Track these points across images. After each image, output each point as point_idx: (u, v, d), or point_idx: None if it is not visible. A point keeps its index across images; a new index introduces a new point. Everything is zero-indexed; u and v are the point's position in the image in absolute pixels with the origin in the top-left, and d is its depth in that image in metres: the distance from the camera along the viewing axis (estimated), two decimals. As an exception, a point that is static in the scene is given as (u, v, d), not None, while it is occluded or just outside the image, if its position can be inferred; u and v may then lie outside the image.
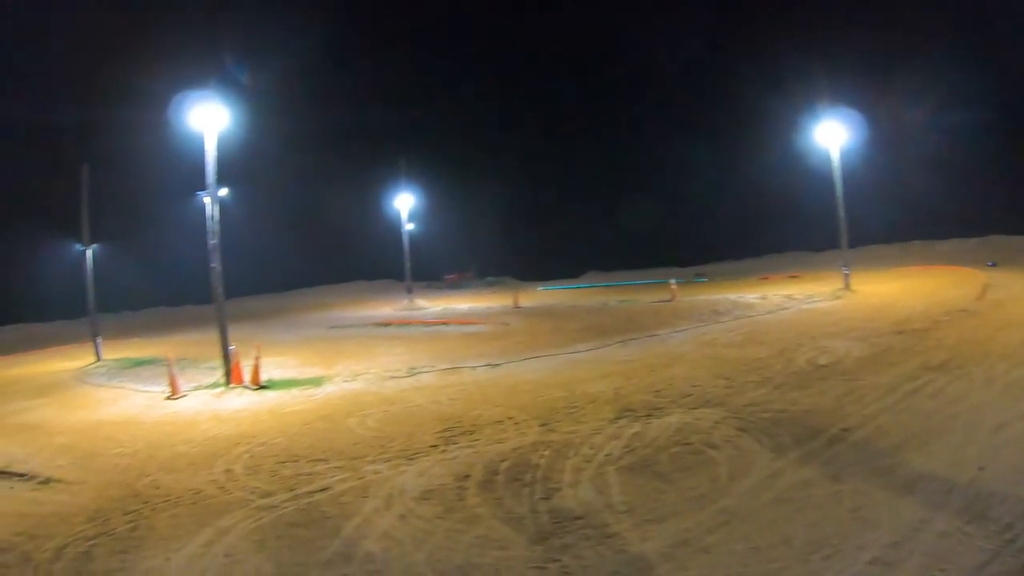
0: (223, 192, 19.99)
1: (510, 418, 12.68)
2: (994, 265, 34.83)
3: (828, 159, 32.84)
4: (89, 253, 29.49)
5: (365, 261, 63.71)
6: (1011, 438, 9.51)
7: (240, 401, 16.90)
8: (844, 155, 32.81)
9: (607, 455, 10.00)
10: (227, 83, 19.62)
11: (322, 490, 9.83)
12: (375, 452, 11.40)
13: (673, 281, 35.77)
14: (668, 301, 31.84)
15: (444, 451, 11.08)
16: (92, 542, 9.09)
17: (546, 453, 10.33)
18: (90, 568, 8.32)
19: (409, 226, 49.09)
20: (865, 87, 41.48)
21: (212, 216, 19.39)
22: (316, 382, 18.19)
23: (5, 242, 44.18)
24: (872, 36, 46.80)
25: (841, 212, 32.84)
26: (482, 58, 72.26)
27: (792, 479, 8.66)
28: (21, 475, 12.49)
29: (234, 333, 19.82)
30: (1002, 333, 16.68)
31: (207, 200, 19.48)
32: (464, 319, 32.69)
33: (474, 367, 18.27)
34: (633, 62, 64.14)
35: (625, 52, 65.92)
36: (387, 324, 33.81)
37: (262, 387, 17.94)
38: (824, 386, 13.15)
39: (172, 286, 52.55)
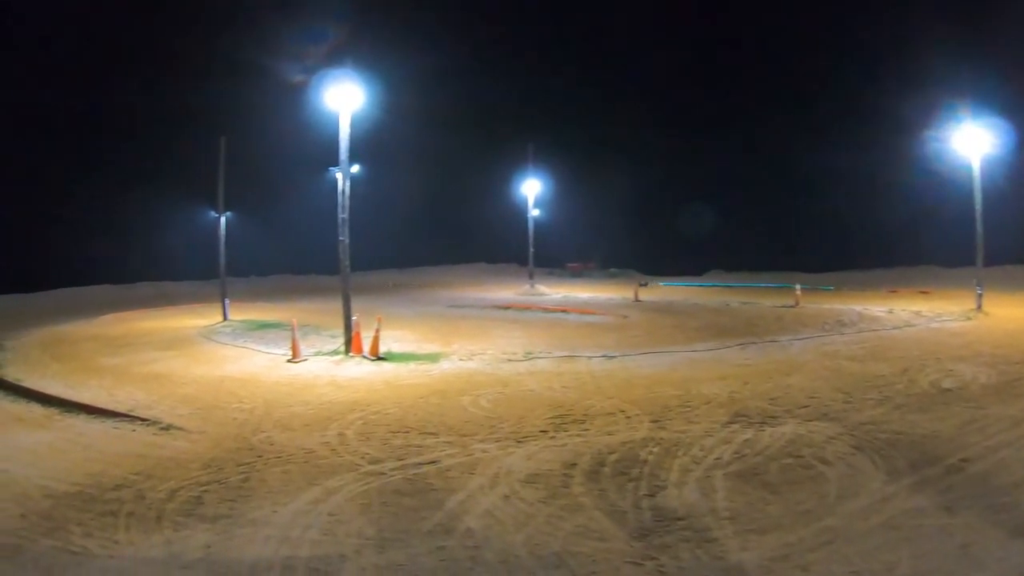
0: (354, 169, 20.55)
1: (622, 411, 12.66)
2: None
3: (968, 169, 31.01)
4: (223, 220, 30.85)
5: (488, 244, 64.40)
6: None
7: (358, 370, 17.38)
8: (986, 165, 30.86)
9: (716, 459, 9.89)
10: (363, 63, 20.01)
11: (430, 463, 10.06)
12: (485, 431, 11.58)
13: (798, 287, 34.79)
14: (791, 307, 31.02)
15: (553, 437, 11.16)
16: (204, 488, 9.60)
17: (655, 450, 10.30)
18: (200, 511, 8.78)
19: (534, 212, 49.25)
20: (1014, 90, 38.71)
21: (343, 191, 19.93)
22: (433, 358, 18.53)
23: (149, 207, 46.68)
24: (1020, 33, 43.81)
25: (979, 227, 30.92)
26: (618, 49, 71.57)
27: (903, 505, 8.37)
28: (144, 420, 13.23)
29: (356, 305, 20.37)
30: None
31: (339, 176, 20.03)
32: (584, 308, 32.55)
33: (590, 357, 18.25)
34: (772, 65, 62.59)
35: (765, 55, 64.31)
36: (507, 307, 34.04)
37: (380, 358, 18.39)
38: (946, 411, 12.57)
39: (299, 255, 54.30)
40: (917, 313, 29.31)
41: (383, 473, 9.71)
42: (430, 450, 10.65)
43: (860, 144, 50.85)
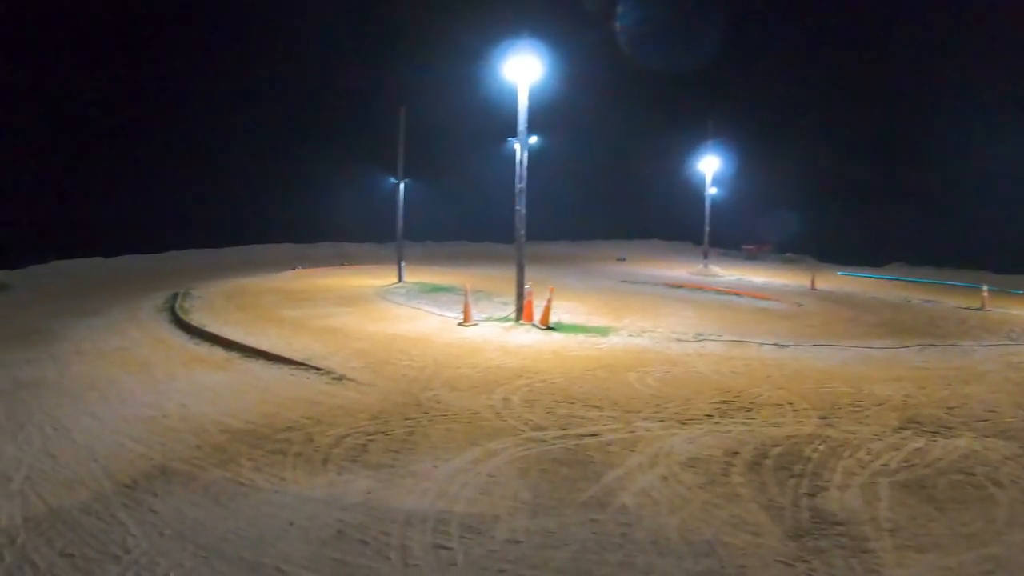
0: (532, 140, 20.52)
1: (790, 403, 12.13)
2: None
3: None
4: (401, 186, 31.69)
5: (663, 221, 63.46)
6: None
7: (527, 338, 17.43)
8: None
9: (883, 465, 9.27)
10: (541, 34, 19.90)
11: (592, 435, 9.94)
12: (649, 409, 11.35)
13: (985, 288, 32.37)
14: (977, 309, 28.98)
15: (718, 422, 10.82)
16: (370, 437, 9.88)
17: (820, 448, 9.79)
18: (364, 459, 9.06)
19: (712, 190, 48.11)
20: None
21: (520, 162, 19.95)
22: (602, 332, 18.36)
23: (334, 173, 48.81)
24: None
25: None
26: (803, 19, 68.27)
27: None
28: (319, 369, 13.74)
29: (529, 274, 20.40)
30: None
31: (516, 146, 20.07)
32: (758, 293, 31.61)
33: (761, 344, 17.63)
34: (974, 39, 58.19)
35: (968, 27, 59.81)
36: (679, 286, 33.41)
37: (550, 328, 18.37)
38: None
39: (475, 223, 55.18)
40: None
41: (544, 441, 9.67)
42: (592, 423, 10.53)
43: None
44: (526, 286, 19.69)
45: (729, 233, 55.58)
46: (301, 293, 25.67)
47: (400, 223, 32.43)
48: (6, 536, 7.00)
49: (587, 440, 9.72)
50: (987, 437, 10.59)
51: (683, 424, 10.64)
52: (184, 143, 45.56)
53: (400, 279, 30.54)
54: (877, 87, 60.14)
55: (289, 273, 34.27)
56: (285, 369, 13.91)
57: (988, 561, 6.81)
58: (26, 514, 7.47)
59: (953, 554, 6.90)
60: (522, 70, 19.63)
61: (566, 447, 9.42)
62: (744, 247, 59.89)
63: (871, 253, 52.80)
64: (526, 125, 19.86)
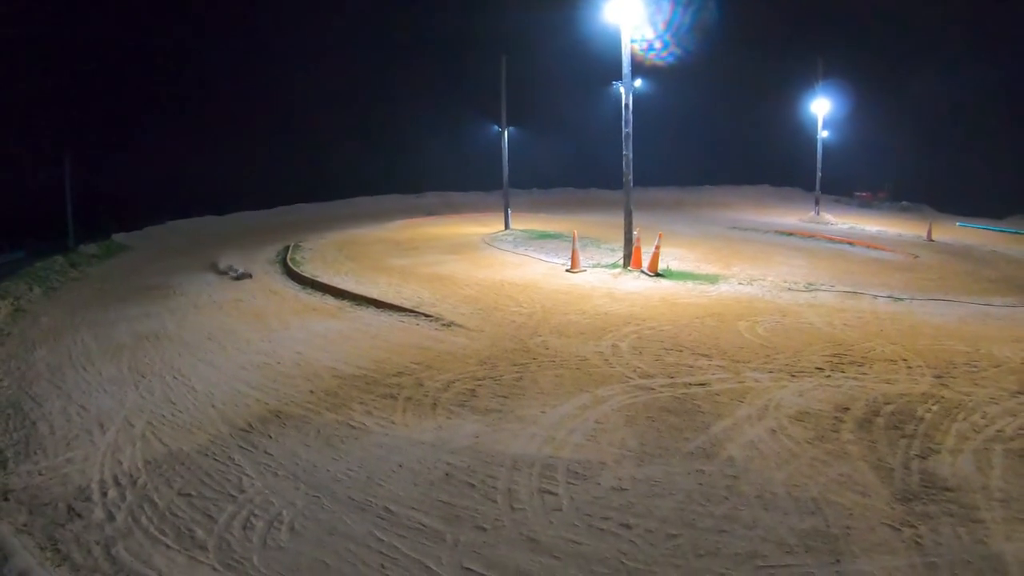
0: (637, 83, 20.15)
1: (904, 360, 11.71)
2: None
3: None
4: (505, 134, 31.65)
5: (773, 166, 61.67)
6: None
7: (635, 284, 17.31)
8: None
9: (998, 431, 8.86)
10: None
11: (700, 384, 9.85)
12: (759, 360, 11.15)
13: None
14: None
15: (829, 376, 10.54)
16: (479, 382, 10.03)
17: (934, 408, 9.44)
18: (472, 403, 9.21)
19: (823, 134, 46.58)
20: None
21: (626, 105, 19.63)
22: (711, 279, 18.09)
23: (440, 123, 49.12)
24: None
25: None
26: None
27: None
28: (428, 316, 13.95)
29: (637, 220, 20.16)
30: None
31: (622, 90, 19.75)
32: (871, 242, 30.63)
33: (875, 296, 17.07)
34: None
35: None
36: (790, 233, 32.65)
37: (658, 275, 18.20)
38: None
39: (581, 170, 54.79)
40: None
41: (652, 388, 9.62)
42: (701, 371, 10.42)
43: None
44: (634, 232, 19.51)
45: (841, 179, 53.83)
46: (409, 242, 26.05)
47: (506, 171, 32.48)
48: (128, 477, 7.38)
49: (695, 389, 9.63)
50: None
51: (793, 376, 10.43)
52: (287, 102, 46.44)
53: (507, 226, 30.68)
54: (999, 26, 56.95)
55: (398, 223, 34.75)
56: (395, 316, 14.17)
57: None
58: (147, 456, 7.88)
59: None
60: (624, 11, 19.23)
61: (674, 396, 9.36)
62: (857, 194, 57.98)
63: (992, 203, 50.37)
64: (631, 68, 19.51)
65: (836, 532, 6.29)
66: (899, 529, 6.39)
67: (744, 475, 7.17)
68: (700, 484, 7.00)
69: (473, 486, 6.98)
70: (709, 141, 60.34)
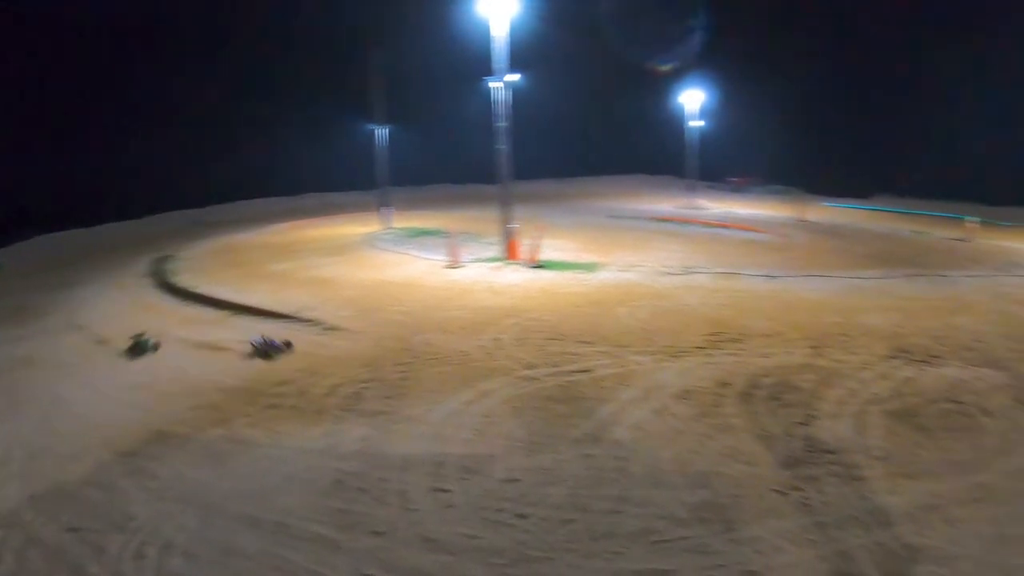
0: (512, 78, 20.26)
1: (780, 334, 12.20)
2: None
3: None
4: (380, 131, 31.48)
5: (648, 155, 63.04)
6: None
7: (515, 277, 17.44)
8: None
9: (873, 394, 9.38)
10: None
11: (584, 371, 10.01)
12: (640, 344, 11.40)
13: (974, 219, 32.45)
14: (964, 240, 29.10)
15: (709, 355, 10.89)
16: (364, 385, 9.95)
17: (811, 378, 9.88)
18: (358, 407, 9.14)
19: (697, 123, 47.78)
20: None
21: (499, 100, 19.78)
22: (590, 268, 18.38)
23: (312, 122, 48.32)
24: None
25: None
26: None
27: (1066, 473, 7.67)
28: (309, 321, 13.75)
29: (516, 213, 20.36)
30: None
31: (493, 85, 19.86)
32: (745, 225, 31.60)
33: (750, 276, 17.70)
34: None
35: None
36: (666, 220, 33.41)
37: (538, 266, 18.38)
38: None
39: (457, 165, 54.74)
40: None
41: (536, 379, 9.74)
42: (584, 359, 10.59)
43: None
44: (513, 225, 19.64)
45: (715, 166, 55.33)
46: (288, 246, 25.58)
47: (381, 169, 32.23)
48: (14, 517, 7.01)
49: (579, 376, 9.79)
50: (975, 367, 10.69)
51: (674, 357, 10.71)
52: (151, 104, 44.82)
53: (386, 225, 30.44)
54: (860, 13, 59.50)
55: (277, 227, 34.11)
56: (277, 323, 13.90)
57: (978, 489, 6.96)
58: (31, 492, 7.50)
59: (943, 482, 7.03)
60: (496, 4, 19.31)
61: (558, 384, 9.49)
62: (730, 179, 59.71)
63: (857, 184, 52.70)
64: (506, 62, 19.63)
65: (726, 502, 6.52)
66: (786, 493, 6.68)
67: (633, 456, 7.34)
68: (590, 468, 7.13)
69: (365, 491, 6.93)
70: (586, 133, 61.23)
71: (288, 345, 11.81)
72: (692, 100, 47.01)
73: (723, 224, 31.80)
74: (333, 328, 13.15)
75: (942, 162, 50.88)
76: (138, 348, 12.32)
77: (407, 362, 10.82)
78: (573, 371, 10.01)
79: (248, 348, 11.77)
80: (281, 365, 11.10)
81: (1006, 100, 47.31)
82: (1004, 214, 38.56)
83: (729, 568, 5.74)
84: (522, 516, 6.40)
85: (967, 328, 13.17)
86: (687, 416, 8.40)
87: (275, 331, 12.94)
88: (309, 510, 6.67)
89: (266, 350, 11.61)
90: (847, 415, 8.58)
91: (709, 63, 49.12)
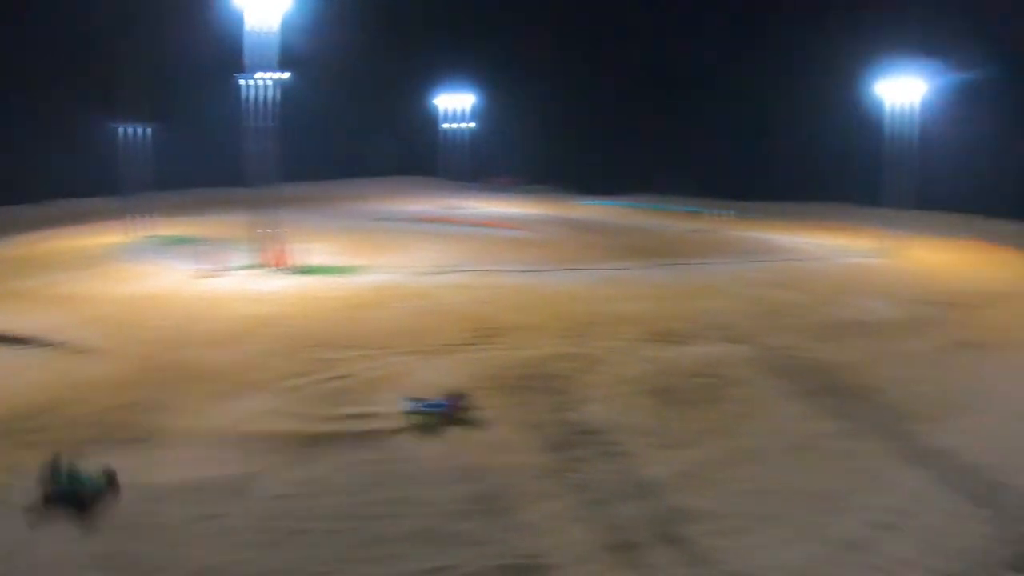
0: (269, 76, 19.74)
1: (540, 326, 12.78)
2: None
3: (895, 117, 31.70)
4: (126, 131, 29.59)
5: (411, 156, 63.28)
6: None
7: (276, 284, 17.05)
8: (924, 111, 31.55)
9: (631, 376, 10.16)
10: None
11: (348, 376, 10.05)
12: (403, 344, 11.56)
13: (718, 212, 35.46)
14: (708, 231, 31.54)
15: (470, 351, 11.25)
16: (118, 411, 9.33)
17: (572, 365, 10.49)
18: (115, 434, 8.56)
19: (461, 125, 48.49)
20: (955, 35, 38.89)
21: (256, 98, 19.30)
22: (352, 271, 18.30)
23: (44, 121, 44.74)
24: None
25: (903, 172, 31.89)
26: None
27: (809, 429, 8.78)
28: (53, 344, 12.50)
29: (279, 217, 19.88)
30: None
31: (249, 83, 19.33)
32: (505, 223, 32.42)
33: (510, 272, 18.26)
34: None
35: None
36: (428, 221, 33.70)
37: (299, 272, 18.09)
38: (856, 343, 12.94)
39: (220, 167, 52.60)
40: (831, 247, 30.04)
41: (300, 388, 9.67)
42: (348, 363, 10.62)
43: (796, 81, 51.29)
44: (271, 230, 19.22)
45: (477, 166, 56.37)
46: (33, 261, 23.43)
47: (134, 173, 30.30)
48: None
49: (344, 382, 9.82)
50: (722, 343, 12.10)
51: (437, 355, 11.00)
52: None
53: (140, 234, 28.73)
54: (619, 17, 62.41)
55: (17, 239, 31.32)
56: (21, 349, 12.59)
57: (734, 452, 7.89)
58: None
59: (702, 449, 7.88)
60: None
61: (323, 391, 9.47)
62: (492, 179, 60.96)
63: (615, 182, 55.51)
64: (274, 58, 19.12)
65: (499, 492, 6.85)
66: (557, 477, 7.15)
67: (402, 457, 7.49)
68: (361, 473, 7.21)
69: (130, 527, 6.58)
70: (354, 134, 60.42)
71: None
72: (451, 102, 47.61)
73: (484, 223, 32.46)
74: (83, 351, 12.16)
75: (696, 161, 54.48)
76: None
77: (164, 382, 10.27)
78: (337, 377, 10.02)
79: None
80: (30, 397, 10.10)
81: (757, 104, 51.39)
82: (751, 208, 42.13)
83: (509, 555, 6.03)
84: (298, 532, 6.38)
85: (714, 309, 14.62)
86: (454, 413, 8.61)
87: (21, 359, 11.86)
88: (68, 561, 6.19)
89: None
90: (608, 397, 9.27)
91: (474, 65, 49.87)
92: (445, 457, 7.44)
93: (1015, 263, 26.75)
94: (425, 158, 56.56)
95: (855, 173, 44.45)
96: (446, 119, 47.49)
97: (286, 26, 20.03)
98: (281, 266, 18.47)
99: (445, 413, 8.70)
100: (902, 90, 31.14)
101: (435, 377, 9.90)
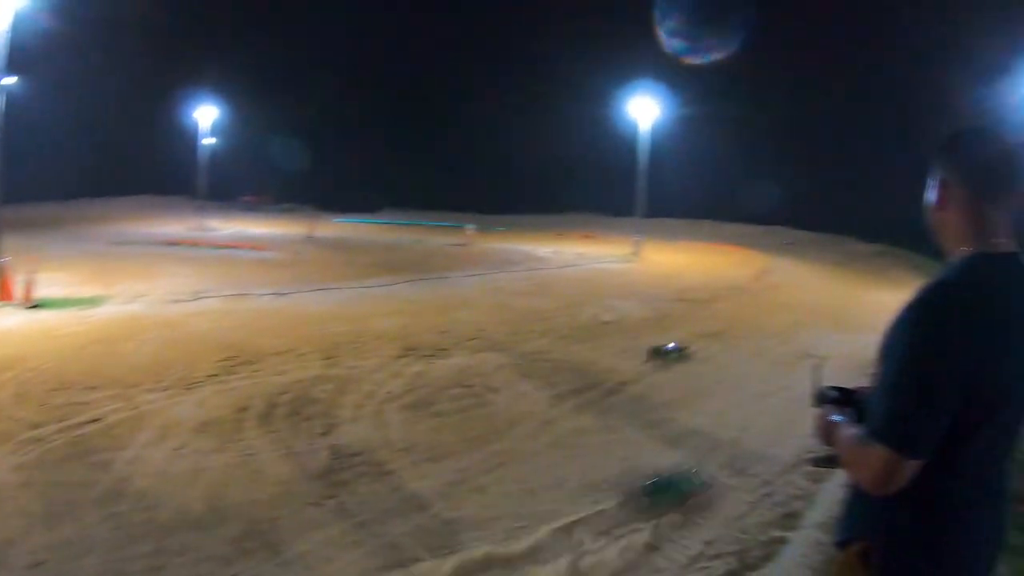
0: (7, 81, 18.35)
1: (293, 350, 12.62)
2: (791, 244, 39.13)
3: (637, 130, 34.63)
4: None
5: (157, 174, 60.40)
6: (772, 406, 10.65)
7: (9, 321, 15.65)
8: (652, 130, 34.72)
9: (388, 392, 10.24)
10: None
11: (94, 421, 9.39)
12: (152, 380, 10.97)
13: (470, 226, 36.51)
14: (463, 245, 32.49)
15: (224, 381, 10.89)
16: None
17: (328, 387, 10.42)
18: None
19: (208, 140, 46.97)
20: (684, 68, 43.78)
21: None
22: (94, 302, 17.23)
23: None
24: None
25: (640, 182, 34.93)
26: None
27: (568, 426, 9.24)
28: None
29: (6, 243, 18.41)
30: (775, 313, 18.55)
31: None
32: (256, 244, 31.91)
33: (261, 295, 17.99)
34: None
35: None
36: (175, 243, 32.48)
37: (35, 306, 16.77)
38: (605, 342, 14.04)
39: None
40: (581, 255, 32.08)
41: (43, 439, 8.89)
42: (94, 406, 9.93)
43: (534, 97, 53.59)
44: (2, 259, 17.74)
45: (227, 184, 54.78)
46: None
47: None
48: None
49: (90, 427, 9.17)
50: (479, 352, 12.50)
51: (188, 389, 10.53)
52: None
53: None
54: (377, 50, 62.61)
55: None
56: None
57: (498, 456, 8.09)
58: None
59: (466, 457, 8.02)
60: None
61: (68, 440, 8.79)
62: (242, 198, 59.44)
63: (366, 199, 55.73)
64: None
65: (266, 528, 6.58)
66: (322, 504, 6.95)
67: (160, 502, 7.08)
68: (118, 528, 6.70)
69: None
70: (89, 150, 56.62)
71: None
72: (206, 116, 46.05)
73: (234, 244, 31.78)
74: None
75: (449, 175, 55.67)
76: None
77: None
78: (83, 422, 9.32)
79: None
80: None
81: (511, 120, 53.33)
82: (498, 221, 43.59)
83: (285, 590, 5.84)
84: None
85: (469, 321, 15.10)
86: (209, 449, 8.30)
87: None
88: None
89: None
90: (367, 416, 9.25)
91: (225, 79, 48.40)
92: (208, 499, 7.11)
93: (740, 259, 29.99)
94: (180, 175, 54.26)
95: (604, 185, 48.09)
96: (205, 134, 45.70)
97: (18, 25, 18.55)
98: (9, 300, 17.03)
99: None
100: (643, 111, 34.40)
101: (188, 412, 9.51)
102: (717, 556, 6.26)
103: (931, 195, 2.40)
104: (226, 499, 7.12)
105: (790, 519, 6.92)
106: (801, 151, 49.32)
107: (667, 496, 7.01)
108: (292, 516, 6.80)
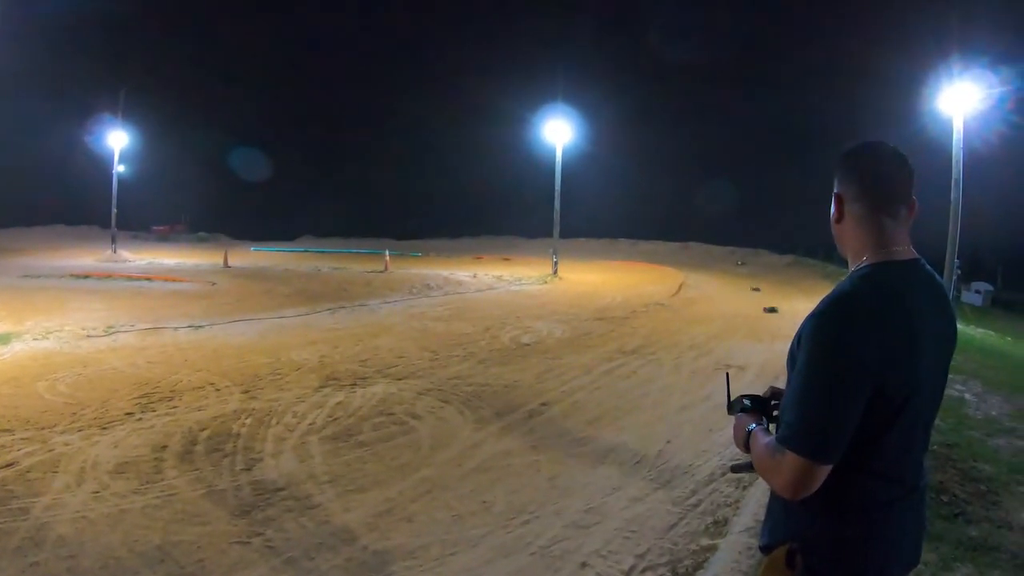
0: None
1: (211, 384, 12.44)
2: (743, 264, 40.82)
3: (552, 154, 35.24)
4: None
5: (66, 203, 58.84)
6: (694, 417, 10.96)
7: (-99, 366, 15.16)
8: (567, 152, 35.40)
9: (310, 424, 10.16)
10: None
11: (8, 466, 9.09)
12: (66, 421, 10.66)
13: (387, 252, 36.63)
14: (381, 272, 32.51)
15: (141, 419, 10.62)
16: None
17: (248, 421, 10.28)
18: None
19: (120, 168, 45.89)
20: (600, 91, 45.02)
21: None
22: (4, 339, 16.63)
23: None
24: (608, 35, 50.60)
25: (556, 204, 35.59)
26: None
27: (493, 449, 9.27)
28: None
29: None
30: (692, 326, 19.00)
31: None
32: (170, 275, 31.33)
33: (177, 328, 17.63)
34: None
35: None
36: (86, 276, 31.65)
37: (-64, 347, 16.21)
38: (526, 363, 14.17)
39: None
40: (499, 277, 32.36)
41: (-48, 488, 8.63)
42: (6, 450, 9.61)
43: (449, 122, 54.04)
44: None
45: (140, 214, 53.72)
46: None
47: None
48: None
49: (3, 473, 8.91)
50: (400, 380, 12.51)
51: (104, 429, 10.25)
52: None
53: None
54: (297, 82, 62.29)
55: None
56: None
57: (424, 483, 8.06)
58: None
59: (392, 486, 7.96)
60: None
61: (-22, 488, 8.55)
62: (155, 228, 58.35)
63: (283, 228, 55.28)
64: None
65: (192, 570, 6.43)
66: (248, 542, 6.81)
67: (81, 549, 6.87)
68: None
69: None
70: (4, 175, 54.78)
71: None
72: (117, 143, 45.01)
73: (147, 276, 31.19)
74: None
75: (363, 204, 55.64)
76: None
77: None
78: (-3, 467, 9.09)
79: None
80: None
81: (419, 148, 53.84)
82: (416, 246, 43.71)
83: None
84: None
85: (389, 348, 15.11)
86: (128, 491, 8.08)
87: None
88: None
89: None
90: (289, 449, 9.13)
91: (136, 104, 47.37)
92: (130, 543, 6.93)
93: (656, 276, 30.70)
94: (91, 205, 52.87)
95: (521, 208, 48.91)
96: (117, 161, 44.60)
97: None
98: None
99: None
100: (557, 133, 35.11)
101: (105, 453, 9.23)
102: (649, 568, 6.38)
103: (831, 209, 2.52)
104: (149, 542, 6.95)
105: (719, 526, 7.10)
106: (714, 168, 51.03)
107: None
108: (218, 556, 6.67)
